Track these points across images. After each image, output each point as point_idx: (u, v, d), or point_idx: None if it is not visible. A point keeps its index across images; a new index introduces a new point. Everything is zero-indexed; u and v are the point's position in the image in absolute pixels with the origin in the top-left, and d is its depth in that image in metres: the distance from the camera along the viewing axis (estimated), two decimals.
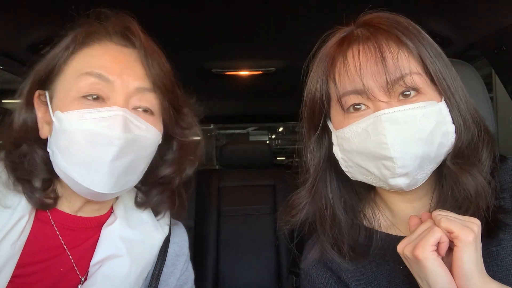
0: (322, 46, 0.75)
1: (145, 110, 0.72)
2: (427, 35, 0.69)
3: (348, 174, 0.74)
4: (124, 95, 0.68)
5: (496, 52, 1.22)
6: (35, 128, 0.72)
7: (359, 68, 0.66)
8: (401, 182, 0.65)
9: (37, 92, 0.72)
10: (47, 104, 0.70)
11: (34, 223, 0.71)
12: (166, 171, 0.80)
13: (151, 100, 0.72)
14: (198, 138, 0.84)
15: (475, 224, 0.58)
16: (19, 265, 0.68)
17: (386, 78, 0.64)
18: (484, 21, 1.20)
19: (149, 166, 0.77)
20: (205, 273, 2.07)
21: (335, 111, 0.72)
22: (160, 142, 0.76)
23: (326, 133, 0.77)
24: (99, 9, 0.73)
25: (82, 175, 0.66)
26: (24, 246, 0.69)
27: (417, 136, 0.63)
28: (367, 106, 0.67)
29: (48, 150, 0.70)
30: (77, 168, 0.66)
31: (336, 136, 0.73)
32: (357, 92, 0.66)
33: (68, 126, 0.66)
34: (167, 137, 0.81)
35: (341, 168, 0.75)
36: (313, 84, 0.74)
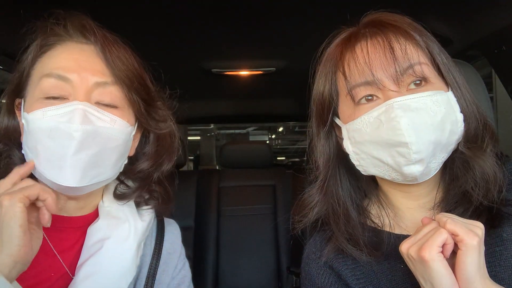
0: (328, 46, 0.76)
1: (107, 105, 0.72)
2: (430, 34, 0.71)
3: (359, 168, 0.75)
4: (84, 90, 0.70)
5: (496, 52, 1.22)
6: (17, 133, 0.75)
7: (368, 59, 0.67)
8: (415, 169, 0.65)
9: (16, 101, 0.75)
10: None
11: None
12: (144, 164, 0.82)
13: (113, 93, 0.73)
14: (173, 131, 0.85)
15: (479, 228, 0.58)
16: None
17: (396, 68, 0.66)
18: (484, 21, 1.20)
19: (130, 159, 0.79)
20: (205, 273, 2.07)
21: (345, 105, 0.73)
22: (134, 133, 0.77)
23: (333, 130, 0.78)
24: (55, 10, 0.75)
25: (49, 170, 0.68)
26: None
27: (429, 122, 0.64)
28: (378, 97, 0.68)
29: (23, 152, 0.72)
30: (44, 164, 0.68)
31: (347, 130, 0.73)
32: (367, 83, 0.68)
33: (32, 125, 0.68)
34: (144, 131, 0.83)
35: (349, 165, 0.75)
36: (321, 80, 0.76)
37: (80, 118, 0.67)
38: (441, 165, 0.69)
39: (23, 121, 0.71)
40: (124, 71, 0.73)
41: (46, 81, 0.69)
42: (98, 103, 0.71)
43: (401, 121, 0.64)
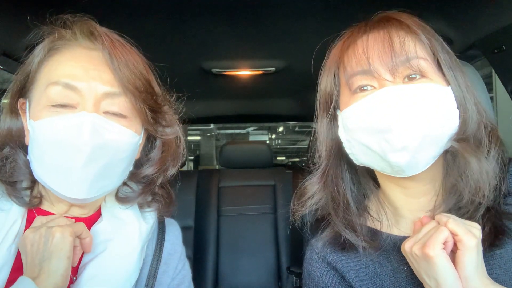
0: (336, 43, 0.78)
1: (116, 114, 0.71)
2: (438, 36, 0.72)
3: (352, 157, 0.76)
4: (93, 100, 0.68)
5: (496, 52, 1.22)
6: (21, 135, 0.74)
7: (366, 49, 0.68)
8: (400, 157, 0.65)
9: (20, 101, 0.74)
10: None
11: (26, 227, 0.72)
12: (148, 170, 0.81)
13: (121, 104, 0.71)
14: (179, 136, 0.84)
15: (477, 229, 0.61)
16: (14, 269, 0.68)
17: (392, 59, 0.66)
18: (484, 21, 1.20)
19: (134, 162, 0.79)
20: (205, 273, 2.07)
21: (343, 95, 0.75)
22: (140, 142, 0.77)
23: (336, 121, 0.79)
24: (63, 15, 0.74)
25: (56, 182, 0.68)
26: (18, 251, 0.69)
27: (418, 113, 0.65)
28: (373, 87, 0.69)
29: (28, 158, 0.71)
30: (51, 175, 0.68)
31: (342, 117, 0.75)
32: (364, 72, 0.69)
33: (39, 135, 0.67)
34: (149, 136, 0.82)
35: (349, 158, 0.76)
36: (326, 73, 0.78)
37: (89, 131, 0.66)
38: (432, 161, 0.68)
39: (29, 127, 0.70)
40: (132, 80, 0.71)
41: (54, 89, 0.68)
42: (107, 113, 0.70)
43: (390, 108, 0.65)
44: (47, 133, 0.66)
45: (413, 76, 0.67)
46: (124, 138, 0.71)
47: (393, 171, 0.70)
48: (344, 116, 0.73)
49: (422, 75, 0.67)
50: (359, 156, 0.74)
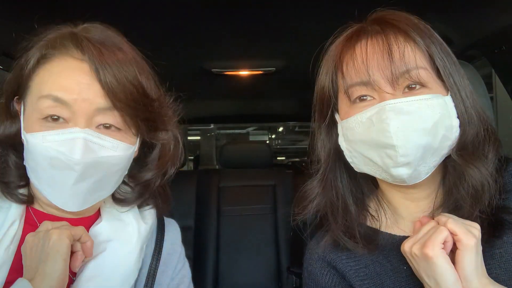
0: (333, 42, 0.76)
1: (109, 127, 0.69)
2: (437, 34, 0.71)
3: (353, 165, 0.75)
4: (85, 115, 0.67)
5: (496, 52, 1.22)
6: (15, 136, 0.73)
7: (365, 59, 0.67)
8: (403, 172, 0.66)
9: (16, 100, 0.73)
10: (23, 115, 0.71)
11: (24, 228, 0.72)
12: (148, 174, 0.80)
13: (114, 118, 0.69)
14: (177, 138, 0.83)
15: (476, 229, 0.61)
16: (12, 270, 0.68)
17: (392, 71, 0.65)
18: (484, 21, 1.20)
19: (133, 168, 0.78)
20: (205, 273, 2.07)
21: (342, 102, 0.74)
22: (135, 149, 0.76)
23: (334, 125, 0.78)
24: (55, 25, 0.72)
25: (50, 194, 0.69)
26: (16, 251, 0.69)
27: (420, 127, 0.64)
28: (373, 97, 0.68)
29: (25, 164, 0.71)
30: (45, 187, 0.69)
31: (342, 127, 0.74)
32: (363, 83, 0.68)
33: (32, 147, 0.67)
34: (145, 141, 0.79)
35: (347, 160, 0.76)
36: (323, 76, 0.76)
37: (81, 149, 0.64)
38: (432, 170, 0.68)
39: (23, 137, 0.70)
40: (123, 96, 0.68)
41: (45, 102, 0.66)
42: (100, 126, 0.69)
43: (390, 123, 0.64)
44: (39, 148, 0.66)
45: (413, 86, 0.66)
46: (118, 153, 0.70)
47: (395, 180, 0.70)
48: (344, 127, 0.72)
49: (422, 85, 0.66)
50: (360, 165, 0.73)
